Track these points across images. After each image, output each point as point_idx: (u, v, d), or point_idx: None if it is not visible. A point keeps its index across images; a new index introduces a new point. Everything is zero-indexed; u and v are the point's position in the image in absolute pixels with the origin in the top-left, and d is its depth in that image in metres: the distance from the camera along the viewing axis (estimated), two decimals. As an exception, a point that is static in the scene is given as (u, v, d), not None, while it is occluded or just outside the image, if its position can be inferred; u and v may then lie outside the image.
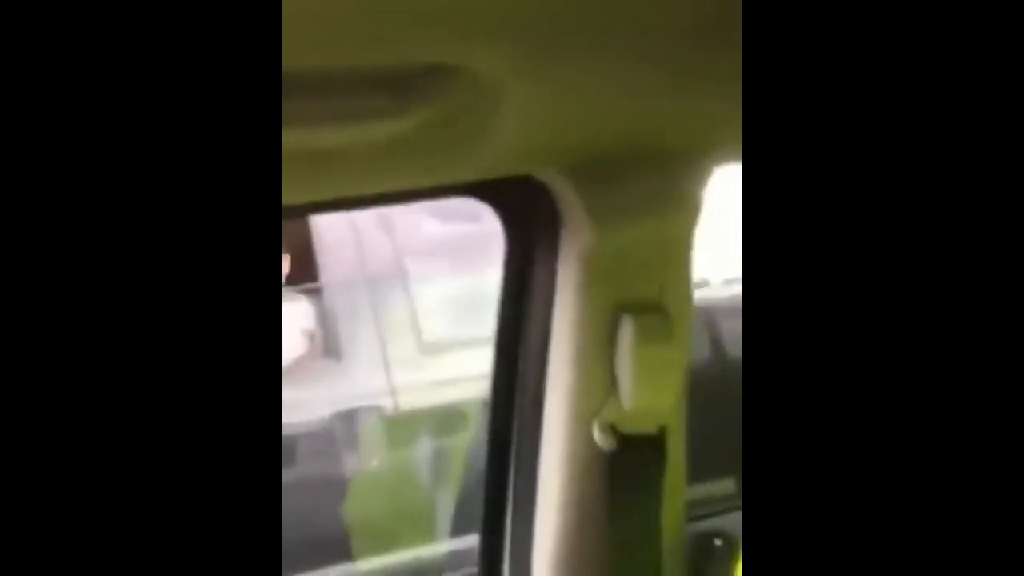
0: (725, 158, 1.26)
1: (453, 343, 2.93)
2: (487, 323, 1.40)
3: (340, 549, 2.87)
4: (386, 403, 3.00)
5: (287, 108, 0.81)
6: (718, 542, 1.40)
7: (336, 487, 2.98)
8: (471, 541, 1.42)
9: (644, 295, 1.24)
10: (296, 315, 2.93)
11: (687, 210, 1.26)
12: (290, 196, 1.04)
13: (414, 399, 3.01)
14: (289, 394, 2.79)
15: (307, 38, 0.82)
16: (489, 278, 1.49)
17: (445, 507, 2.82)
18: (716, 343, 2.61)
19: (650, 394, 1.24)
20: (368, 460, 3.06)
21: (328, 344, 3.05)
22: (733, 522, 1.42)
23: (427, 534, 2.76)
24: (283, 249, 2.90)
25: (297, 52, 0.79)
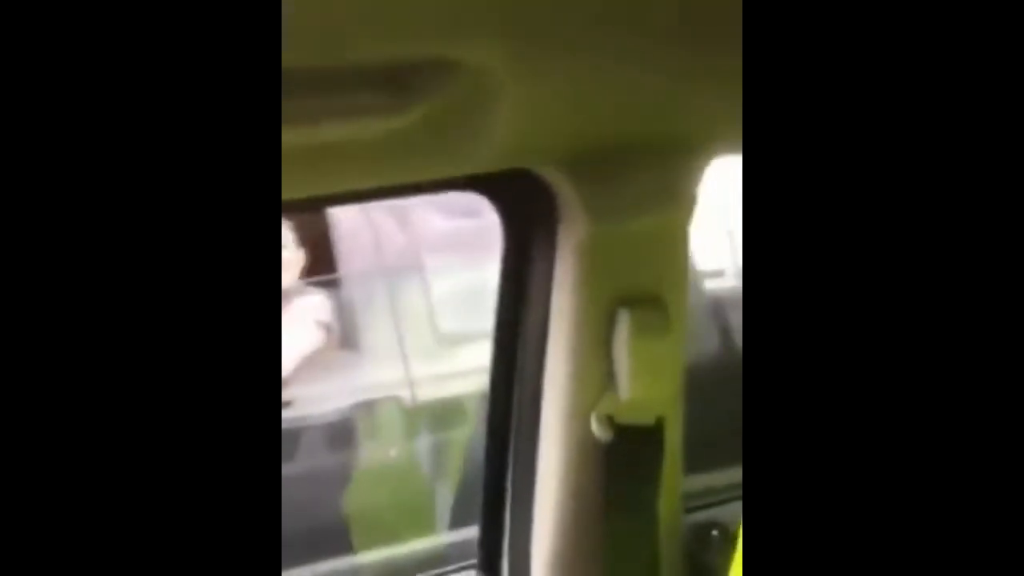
0: (722, 151, 1.25)
1: (469, 335, 2.92)
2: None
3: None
4: (404, 394, 3.00)
5: (287, 104, 0.80)
6: (715, 533, 1.39)
7: (370, 473, 2.99)
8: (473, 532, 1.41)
9: (641, 288, 1.23)
10: (312, 308, 2.94)
11: (683, 203, 1.25)
12: (290, 191, 1.04)
13: (431, 390, 3.00)
14: (307, 386, 2.81)
15: (306, 35, 0.82)
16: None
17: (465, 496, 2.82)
18: (726, 333, 2.59)
19: (647, 386, 1.23)
20: (386, 449, 3.06)
21: (345, 336, 3.06)
22: (730, 513, 1.42)
23: (444, 523, 2.76)
24: (301, 243, 2.91)
25: (296, 49, 0.79)
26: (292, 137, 0.89)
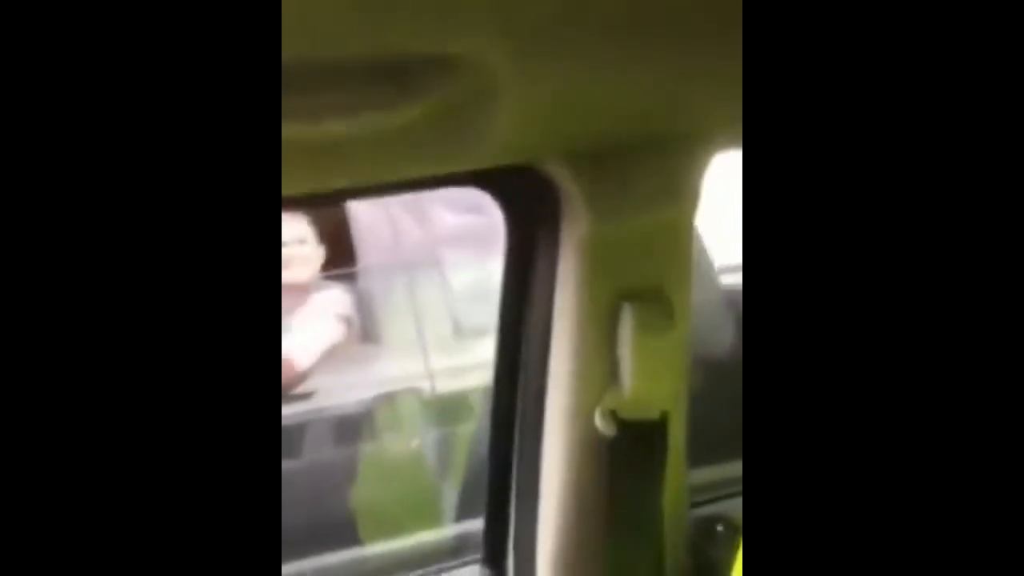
0: (725, 146, 1.23)
1: (487, 328, 2.92)
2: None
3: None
4: (424, 386, 3.00)
5: (289, 100, 0.80)
6: (720, 527, 1.37)
7: (385, 465, 2.99)
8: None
9: (644, 283, 1.22)
10: (333, 302, 2.95)
11: (687, 198, 1.23)
12: (292, 187, 1.03)
13: (450, 382, 3.00)
14: (329, 378, 2.82)
15: (307, 30, 0.80)
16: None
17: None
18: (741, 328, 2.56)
19: (651, 381, 1.22)
20: (407, 441, 3.06)
21: (366, 329, 3.07)
22: (735, 507, 1.40)
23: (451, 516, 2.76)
24: (320, 238, 2.92)
25: (297, 44, 0.78)
26: (294, 132, 0.88)
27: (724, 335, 2.49)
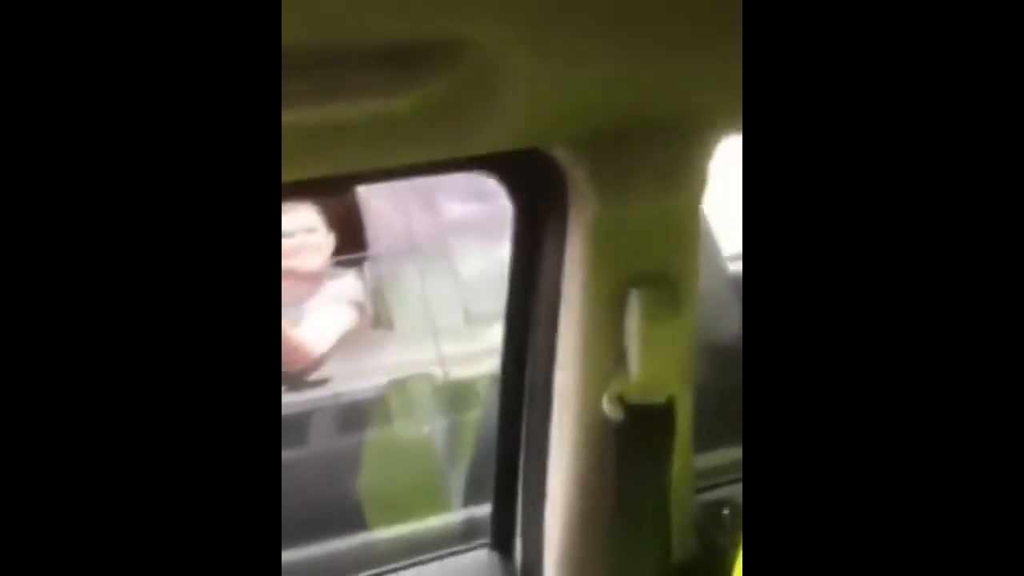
0: (733, 130, 1.21)
1: (498, 314, 2.90)
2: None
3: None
4: (436, 372, 3.00)
5: (295, 85, 0.79)
6: (726, 511, 1.36)
7: (397, 450, 3.01)
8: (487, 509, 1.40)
9: (652, 268, 1.20)
10: (345, 288, 2.94)
11: (695, 183, 1.21)
12: (298, 172, 1.02)
13: (462, 368, 2.99)
14: (342, 364, 2.82)
15: (315, 14, 0.79)
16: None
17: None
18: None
19: (658, 365, 1.20)
20: (422, 425, 3.06)
21: (378, 316, 3.06)
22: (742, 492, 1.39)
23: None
24: (329, 225, 2.91)
25: (304, 28, 0.77)
26: (300, 117, 0.87)
27: (732, 321, 2.48)
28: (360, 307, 2.93)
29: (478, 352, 2.92)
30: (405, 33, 0.88)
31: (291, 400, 2.73)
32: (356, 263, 3.02)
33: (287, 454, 2.65)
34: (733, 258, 2.71)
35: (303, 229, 2.84)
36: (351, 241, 3.00)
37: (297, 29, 0.73)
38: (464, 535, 2.06)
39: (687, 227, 1.23)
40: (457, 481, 2.72)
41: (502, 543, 1.36)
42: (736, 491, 1.41)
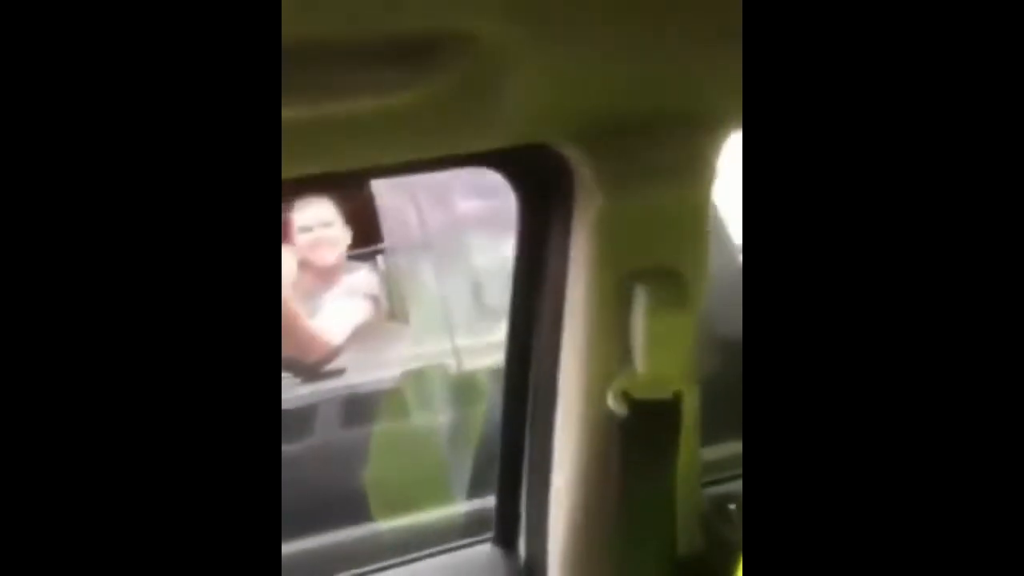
0: (739, 125, 1.19)
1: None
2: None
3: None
4: (450, 363, 2.99)
5: (300, 79, 0.78)
6: (732, 506, 1.34)
7: (407, 442, 3.01)
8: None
9: (658, 263, 1.18)
10: (361, 281, 2.93)
11: (702, 177, 1.19)
12: (303, 167, 1.00)
13: (476, 360, 2.99)
14: (358, 355, 2.82)
15: (318, 8, 0.78)
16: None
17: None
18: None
19: (664, 361, 1.18)
20: (435, 417, 3.06)
21: (393, 309, 3.06)
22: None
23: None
24: (346, 220, 2.92)
25: (308, 23, 0.75)
26: (305, 112, 0.86)
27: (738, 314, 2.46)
28: (375, 300, 2.94)
29: (491, 345, 2.91)
30: (408, 28, 0.87)
31: (307, 391, 2.74)
32: (371, 257, 3.03)
33: (301, 444, 2.65)
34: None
35: (320, 223, 2.85)
36: (366, 236, 3.02)
37: (299, 25, 0.71)
38: (468, 529, 2.04)
39: (694, 222, 1.21)
40: (464, 474, 2.72)
41: (506, 538, 1.34)
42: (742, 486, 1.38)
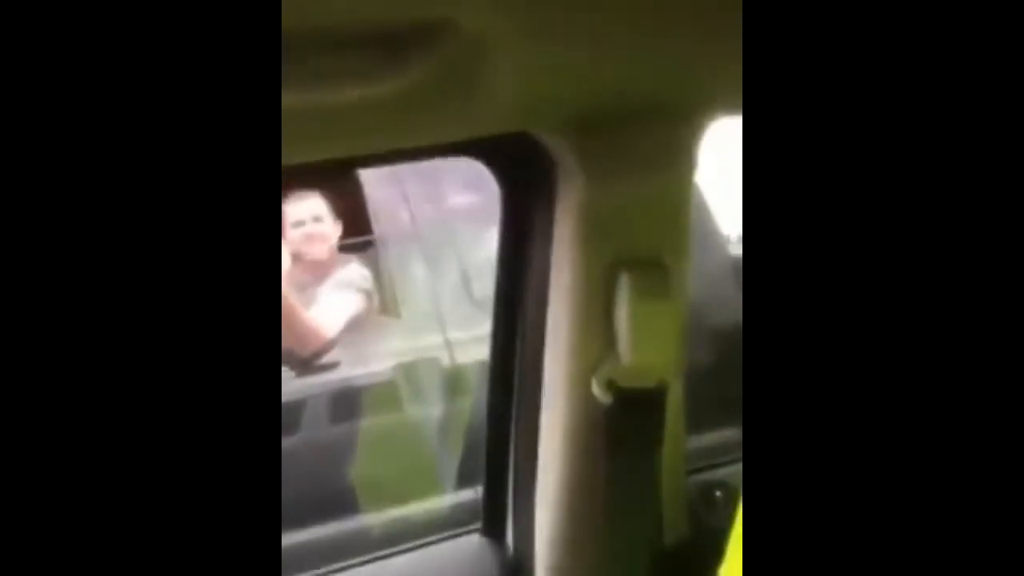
0: (722, 112, 1.17)
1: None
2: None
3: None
4: (442, 356, 2.98)
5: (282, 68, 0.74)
6: (718, 493, 1.32)
7: (402, 432, 3.01)
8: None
9: (642, 251, 1.16)
10: (353, 275, 2.92)
11: (684, 164, 1.17)
12: (285, 156, 0.98)
13: (467, 353, 2.97)
14: (350, 349, 2.81)
15: None
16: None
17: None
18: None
19: (648, 350, 1.16)
20: (428, 409, 3.05)
21: (385, 302, 3.05)
22: (734, 474, 1.35)
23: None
24: (337, 214, 2.91)
25: (288, 12, 0.72)
26: (287, 101, 0.83)
27: (731, 303, 2.45)
28: (367, 293, 2.94)
29: (483, 338, 2.90)
30: (390, 17, 0.85)
31: (301, 384, 2.73)
32: (363, 251, 3.02)
33: (288, 440, 2.64)
34: (733, 241, 2.68)
35: (312, 218, 2.85)
36: (357, 230, 3.01)
37: (284, 11, 0.69)
38: (455, 520, 2.03)
39: (677, 209, 1.19)
40: (454, 466, 2.71)
41: (494, 528, 1.32)
42: (728, 473, 1.37)
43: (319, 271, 2.88)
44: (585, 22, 0.92)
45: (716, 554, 0.80)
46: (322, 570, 1.30)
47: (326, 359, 2.80)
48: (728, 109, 1.15)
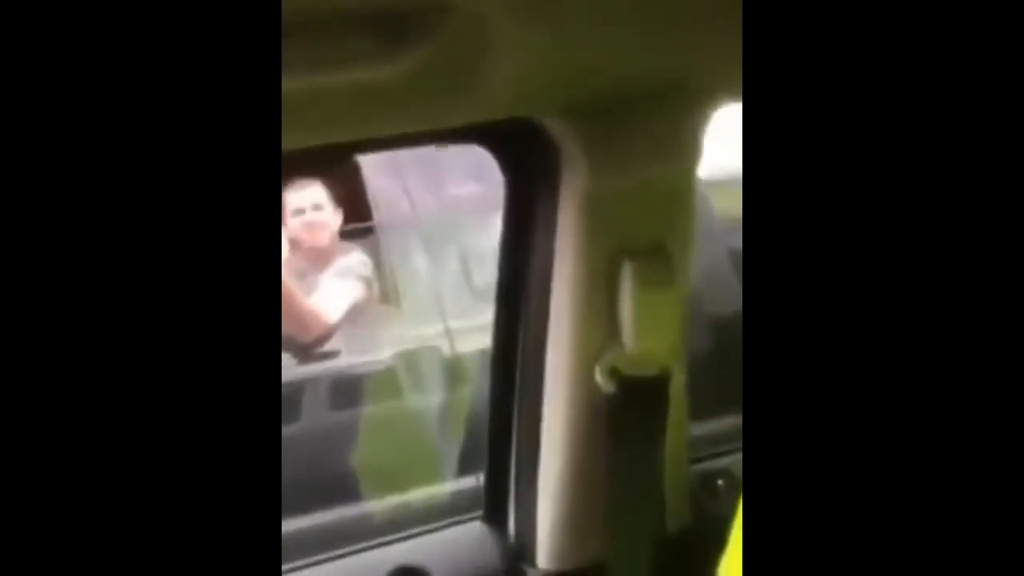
0: (726, 99, 1.16)
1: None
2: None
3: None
4: (442, 344, 2.97)
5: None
6: (721, 482, 1.31)
7: (403, 419, 3.01)
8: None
9: (645, 239, 1.15)
10: (354, 263, 2.91)
11: (688, 152, 1.16)
12: (285, 142, 0.96)
13: (467, 342, 2.97)
14: (351, 337, 2.80)
15: None
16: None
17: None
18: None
19: (651, 337, 1.16)
20: (428, 397, 3.04)
21: (385, 291, 3.04)
22: (736, 462, 1.34)
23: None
24: (337, 202, 2.90)
25: None
26: (285, 87, 0.81)
27: (728, 292, 2.44)
28: (367, 281, 2.93)
29: (483, 326, 2.90)
30: (386, 0, 0.84)
31: (301, 371, 2.72)
32: (363, 240, 3.01)
33: (289, 427, 2.64)
34: (731, 230, 2.68)
35: (312, 206, 2.84)
36: (358, 218, 3.00)
37: None
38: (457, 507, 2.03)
39: (680, 196, 1.18)
40: (455, 453, 2.71)
41: (495, 515, 1.31)
42: (731, 462, 1.36)
43: (320, 259, 2.87)
44: (586, 6, 0.91)
45: (718, 542, 0.80)
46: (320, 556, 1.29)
47: (327, 347, 2.79)
48: (734, 94, 1.14)
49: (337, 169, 2.80)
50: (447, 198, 3.01)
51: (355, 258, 2.92)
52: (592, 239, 1.14)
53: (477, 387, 2.78)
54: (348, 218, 2.95)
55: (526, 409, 1.25)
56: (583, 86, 1.05)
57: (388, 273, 3.06)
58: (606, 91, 1.07)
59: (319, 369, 2.78)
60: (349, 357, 2.84)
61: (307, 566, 1.26)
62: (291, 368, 2.69)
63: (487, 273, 2.95)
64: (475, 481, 2.27)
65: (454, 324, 2.95)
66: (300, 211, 2.83)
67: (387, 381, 2.89)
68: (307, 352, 2.74)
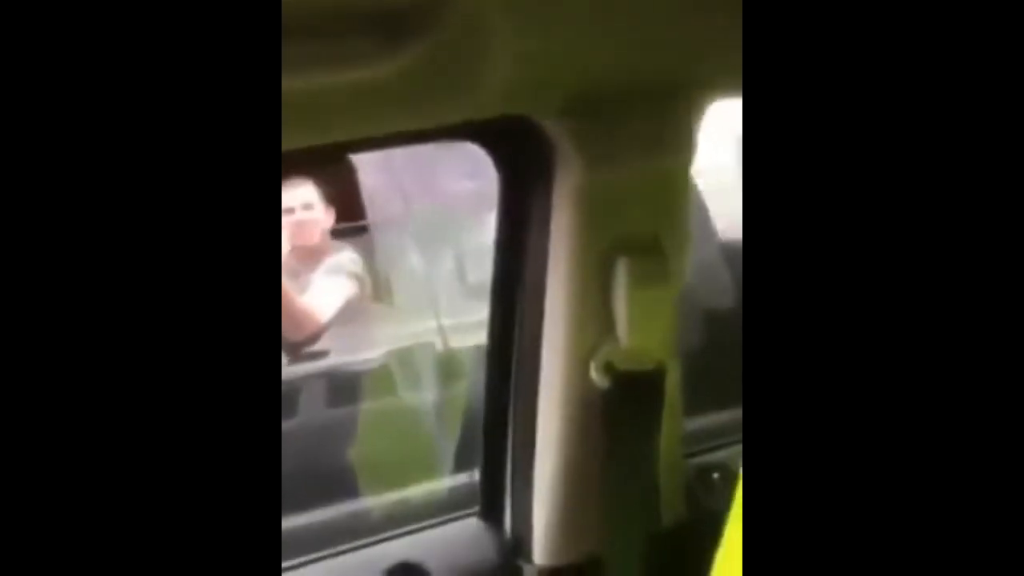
0: (720, 95, 1.16)
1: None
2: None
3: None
4: (436, 341, 2.97)
5: None
6: (716, 476, 1.31)
7: (393, 419, 3.00)
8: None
9: (640, 235, 1.15)
10: (345, 261, 2.91)
11: (682, 148, 1.16)
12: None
13: (462, 339, 2.96)
14: (342, 336, 2.79)
15: None
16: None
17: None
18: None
19: (646, 333, 1.16)
20: (422, 394, 3.04)
21: (378, 288, 3.04)
22: (731, 456, 1.34)
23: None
24: (328, 201, 2.88)
25: None
26: (283, 85, 0.81)
27: (722, 287, 2.44)
28: (359, 279, 2.91)
29: (477, 323, 2.89)
30: None
31: (295, 370, 2.72)
32: (355, 238, 3.00)
33: (293, 422, 2.63)
34: (725, 225, 2.68)
35: (301, 205, 2.83)
36: (349, 216, 2.99)
37: None
38: (453, 503, 2.03)
39: (675, 192, 1.19)
40: (450, 450, 2.70)
41: (491, 511, 1.31)
42: (726, 456, 1.36)
43: (311, 257, 2.86)
44: (581, 5, 0.91)
45: (714, 536, 0.80)
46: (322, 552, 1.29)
47: (317, 346, 2.77)
48: (727, 91, 1.14)
49: (330, 168, 2.79)
50: (441, 195, 3.00)
51: (345, 256, 2.91)
52: (587, 236, 1.14)
53: (472, 384, 2.77)
54: (342, 217, 2.93)
55: (521, 405, 1.25)
56: (577, 83, 1.05)
57: (381, 271, 3.05)
58: (601, 88, 1.07)
59: (315, 367, 2.77)
60: (341, 356, 2.83)
61: (305, 563, 1.26)
62: (285, 367, 2.68)
63: (481, 271, 2.95)
64: (471, 477, 2.27)
65: (448, 321, 2.94)
66: (289, 211, 2.82)
67: (383, 378, 2.88)
68: (297, 351, 2.73)
